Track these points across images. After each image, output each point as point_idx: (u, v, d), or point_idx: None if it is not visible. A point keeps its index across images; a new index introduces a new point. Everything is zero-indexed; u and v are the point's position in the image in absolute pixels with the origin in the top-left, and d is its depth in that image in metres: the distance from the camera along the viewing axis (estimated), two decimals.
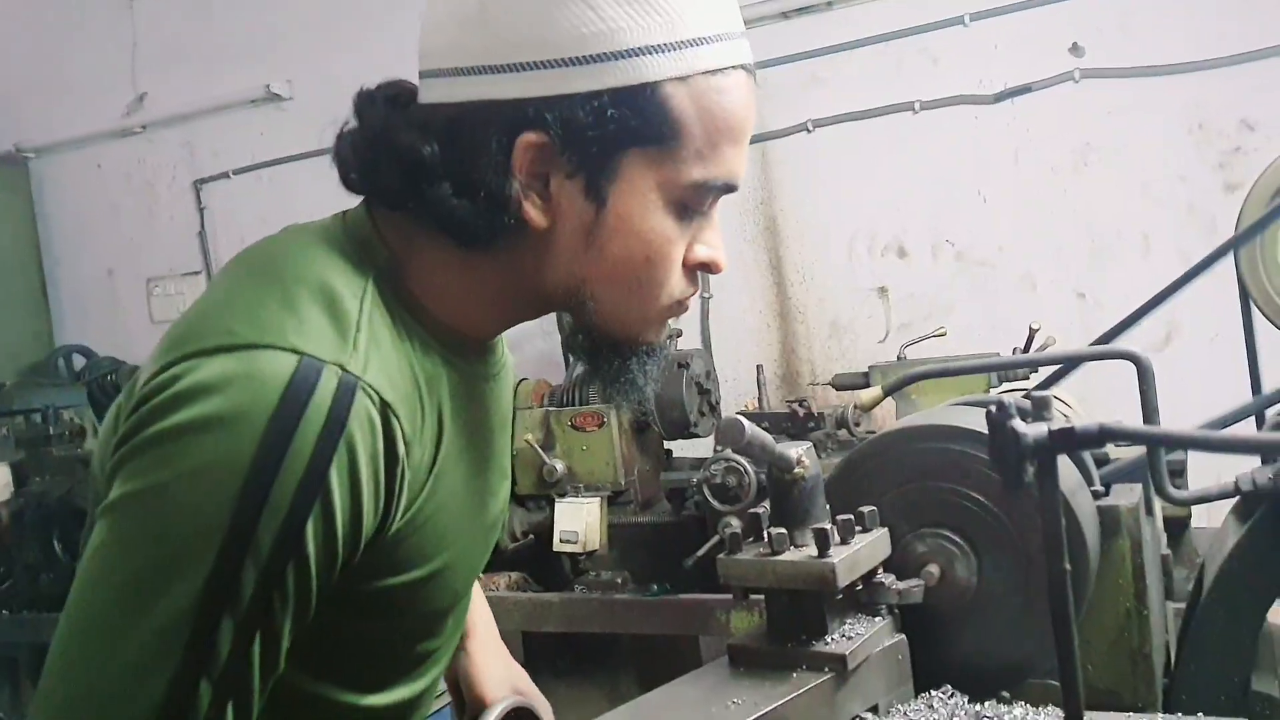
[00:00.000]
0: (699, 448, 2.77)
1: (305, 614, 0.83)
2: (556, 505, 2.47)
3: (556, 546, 2.43)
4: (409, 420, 0.87)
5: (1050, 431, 0.73)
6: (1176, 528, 2.13)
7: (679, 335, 2.88)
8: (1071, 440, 0.72)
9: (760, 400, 2.84)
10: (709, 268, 0.97)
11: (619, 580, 2.44)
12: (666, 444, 2.71)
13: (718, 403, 2.69)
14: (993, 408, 0.78)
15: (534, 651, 2.50)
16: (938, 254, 3.29)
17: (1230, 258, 1.53)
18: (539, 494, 2.55)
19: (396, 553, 0.89)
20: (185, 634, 0.77)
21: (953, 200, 3.24)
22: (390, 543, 0.88)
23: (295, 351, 0.81)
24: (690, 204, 0.91)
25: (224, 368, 0.79)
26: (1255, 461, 1.31)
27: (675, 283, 0.95)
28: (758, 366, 2.91)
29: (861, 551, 1.07)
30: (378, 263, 0.92)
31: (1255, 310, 1.57)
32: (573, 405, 2.57)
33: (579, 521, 2.42)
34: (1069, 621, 0.76)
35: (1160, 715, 1.10)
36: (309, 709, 0.94)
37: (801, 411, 2.53)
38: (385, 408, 0.84)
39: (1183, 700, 1.24)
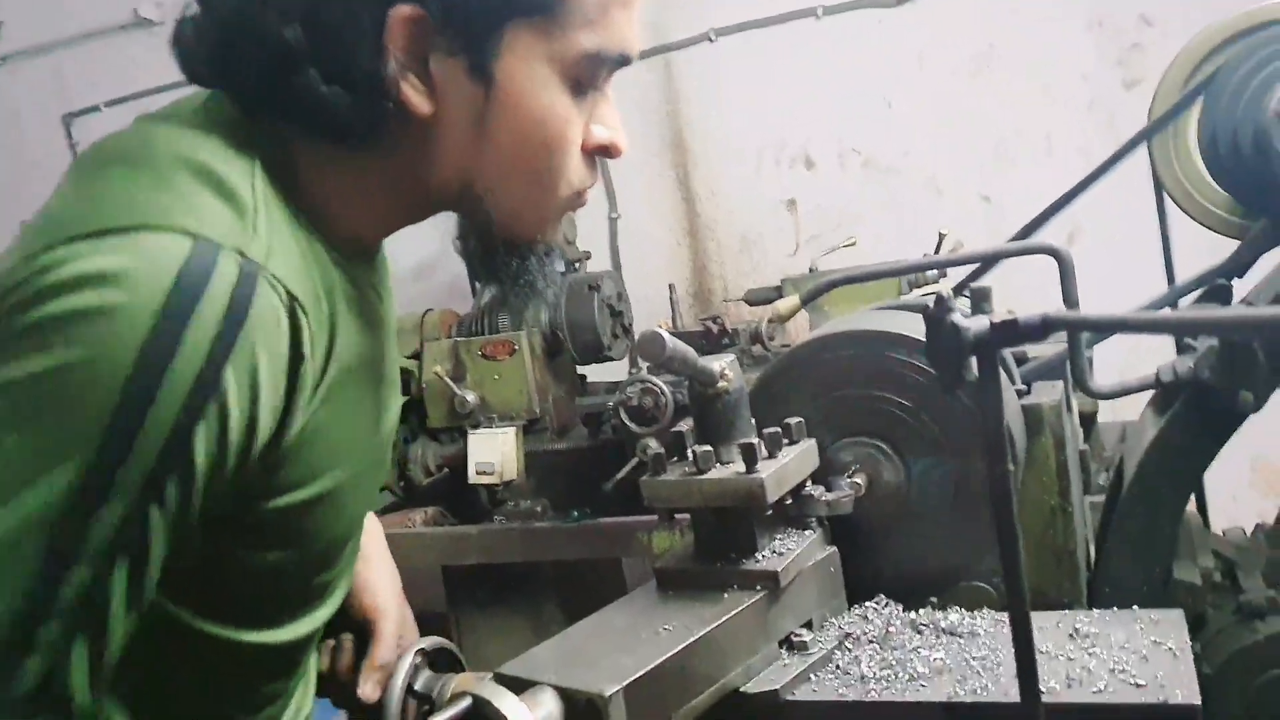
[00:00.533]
0: (613, 371, 2.70)
1: (183, 536, 0.73)
2: (470, 437, 2.39)
3: (472, 479, 2.36)
4: (315, 318, 0.78)
5: (992, 324, 0.68)
6: (1085, 423, 2.18)
7: (588, 257, 2.80)
8: (1015, 332, 0.68)
9: (674, 319, 2.79)
10: (608, 151, 0.89)
11: (538, 508, 2.40)
12: (580, 369, 2.65)
13: (630, 324, 2.64)
14: (930, 303, 0.74)
15: (455, 585, 2.45)
16: (845, 163, 3.25)
17: (1136, 154, 1.52)
18: (451, 426, 2.47)
19: (287, 467, 0.81)
20: (39, 547, 0.67)
21: (858, 108, 3.19)
22: (282, 456, 0.79)
23: (187, 233, 0.70)
24: (584, 79, 0.84)
25: (106, 253, 0.69)
26: (1164, 357, 1.31)
27: (575, 170, 0.87)
28: (669, 285, 2.86)
29: (789, 464, 1.04)
30: (261, 147, 0.81)
31: (1168, 201, 1.56)
32: (482, 334, 2.48)
33: (494, 452, 2.35)
34: (1013, 523, 0.72)
35: (1095, 611, 1.09)
36: (200, 648, 0.86)
37: (715, 329, 2.48)
38: (293, 301, 0.75)
39: (1106, 593, 1.24)
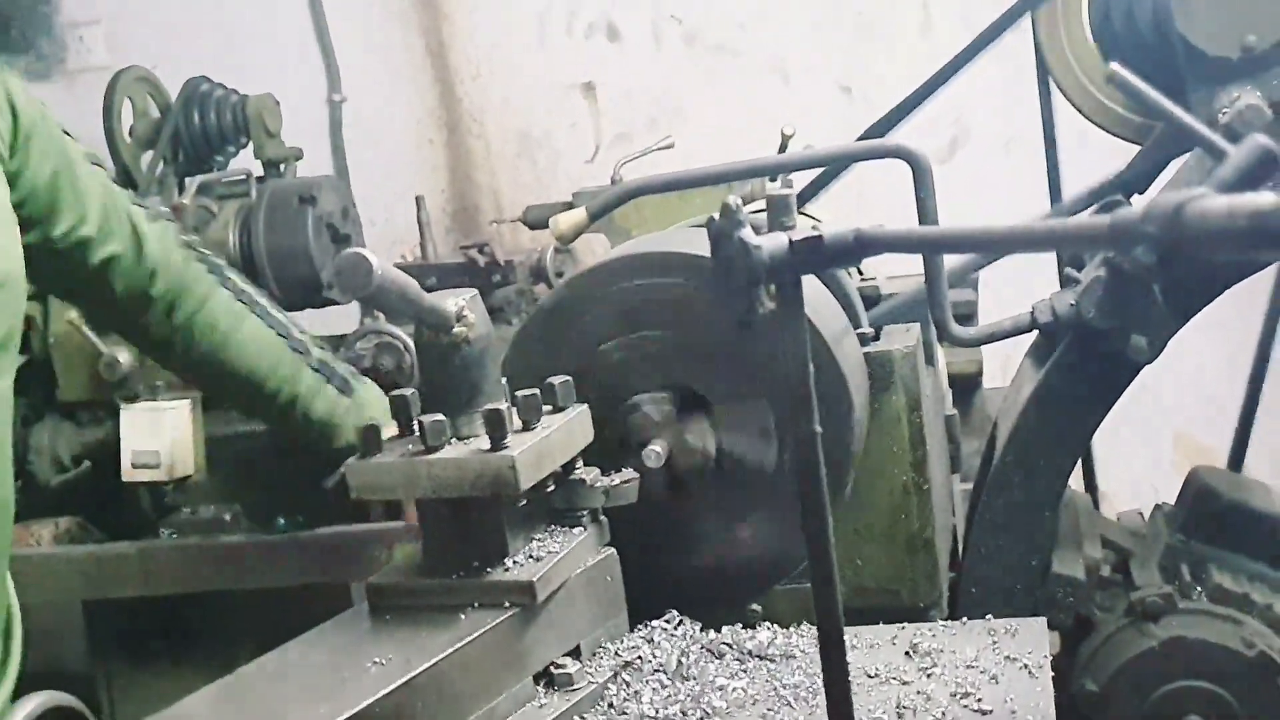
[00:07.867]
0: (339, 319, 2.68)
1: None
2: (124, 415, 2.32)
3: (128, 475, 2.30)
4: None
5: (792, 242, 0.73)
6: (966, 388, 2.30)
7: (299, 158, 2.75)
8: (820, 253, 0.72)
9: (424, 246, 2.79)
10: None
11: (226, 517, 2.37)
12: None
13: None
14: (714, 215, 0.78)
15: (103, 628, 2.38)
16: (660, 37, 3.30)
17: (1028, 31, 1.62)
18: (95, 400, 2.39)
19: None
20: None
21: None
22: None
23: None
24: None
25: None
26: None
27: None
28: (417, 199, 2.84)
29: (552, 438, 1.05)
30: None
31: (1057, 93, 1.67)
32: None
33: (160, 437, 2.29)
34: (821, 498, 0.76)
35: (939, 623, 1.17)
36: None
37: (483, 260, 2.52)
38: None
39: (972, 594, 1.34)
